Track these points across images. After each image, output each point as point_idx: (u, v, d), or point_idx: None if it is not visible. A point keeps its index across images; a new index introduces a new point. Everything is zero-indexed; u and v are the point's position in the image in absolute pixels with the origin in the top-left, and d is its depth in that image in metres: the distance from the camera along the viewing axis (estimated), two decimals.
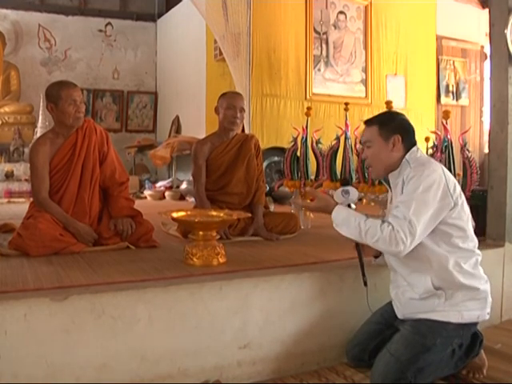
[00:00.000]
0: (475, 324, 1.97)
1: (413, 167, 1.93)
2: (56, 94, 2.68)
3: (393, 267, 2.05)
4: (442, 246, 1.90)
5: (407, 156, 1.98)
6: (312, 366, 2.17)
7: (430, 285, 1.91)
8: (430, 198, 1.83)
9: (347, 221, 1.93)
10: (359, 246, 2.04)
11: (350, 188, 2.09)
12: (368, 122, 2.08)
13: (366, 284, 2.05)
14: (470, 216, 1.98)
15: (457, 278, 1.90)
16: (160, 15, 9.46)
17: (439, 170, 1.91)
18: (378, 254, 2.17)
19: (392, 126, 2.01)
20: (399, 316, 2.03)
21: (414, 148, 2.01)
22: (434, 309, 1.91)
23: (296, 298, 2.15)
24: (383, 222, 1.87)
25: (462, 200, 1.94)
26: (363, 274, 2.05)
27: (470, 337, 1.97)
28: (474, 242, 1.98)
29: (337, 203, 2.02)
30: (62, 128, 2.76)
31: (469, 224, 1.96)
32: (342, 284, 2.24)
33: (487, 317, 1.98)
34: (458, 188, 1.95)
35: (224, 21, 5.88)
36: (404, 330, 1.95)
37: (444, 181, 1.87)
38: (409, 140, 2.00)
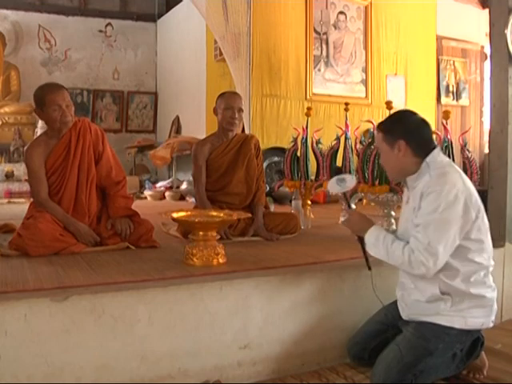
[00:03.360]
0: (478, 330, 1.96)
1: (433, 176, 1.87)
2: (41, 99, 2.66)
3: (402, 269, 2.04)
4: (457, 259, 1.87)
5: (427, 159, 1.92)
6: (312, 366, 2.17)
7: (438, 291, 1.90)
8: (451, 217, 1.79)
9: (377, 243, 1.94)
10: (362, 239, 2.02)
11: (345, 175, 2.07)
12: (377, 128, 2.05)
13: (370, 268, 2.06)
14: (488, 227, 1.94)
15: (464, 288, 1.89)
16: (160, 15, 9.45)
17: (459, 182, 1.84)
18: None
19: (395, 131, 1.95)
20: (404, 316, 2.02)
21: (435, 151, 1.93)
22: (438, 312, 1.90)
23: (296, 298, 2.15)
24: (406, 244, 1.86)
25: (482, 212, 1.89)
26: (367, 260, 2.05)
27: (471, 342, 1.96)
28: (489, 253, 1.94)
29: (371, 225, 1.99)
30: (52, 130, 2.75)
31: (487, 235, 1.93)
32: (342, 284, 2.24)
33: (491, 324, 1.96)
34: (478, 199, 1.90)
35: (224, 21, 5.88)
36: (407, 333, 1.94)
37: (465, 195, 1.82)
38: (417, 144, 1.92)
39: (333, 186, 2.06)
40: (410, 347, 1.89)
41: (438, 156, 1.93)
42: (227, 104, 3.14)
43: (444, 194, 1.80)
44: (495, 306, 1.97)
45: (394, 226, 3.49)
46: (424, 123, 1.97)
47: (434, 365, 1.88)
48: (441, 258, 1.80)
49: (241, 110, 3.18)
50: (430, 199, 1.82)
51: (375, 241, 1.94)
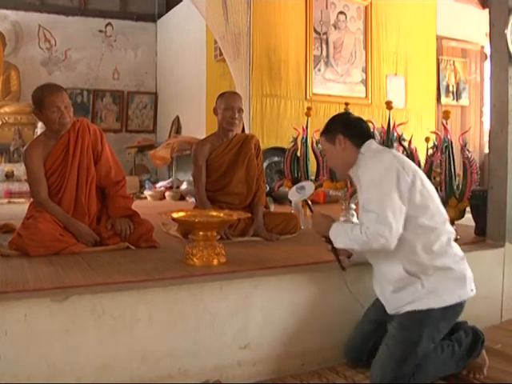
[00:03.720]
0: (460, 304, 1.95)
1: (366, 157, 2.01)
2: (39, 100, 2.65)
3: (368, 260, 2.09)
4: (409, 230, 1.89)
5: (362, 149, 2.05)
6: (312, 366, 2.17)
7: (402, 271, 1.92)
8: (387, 185, 1.87)
9: (339, 234, 2.00)
10: (335, 249, 2.10)
11: (304, 183, 2.21)
12: (320, 135, 2.22)
13: (343, 269, 2.14)
14: (433, 193, 1.98)
15: (428, 261, 1.90)
16: (160, 15, 9.45)
17: (389, 156, 1.96)
18: (350, 255, 2.22)
19: (332, 128, 2.13)
20: (388, 311, 2.03)
21: (369, 141, 2.06)
22: (414, 299, 1.91)
23: (296, 298, 2.15)
24: (362, 224, 1.91)
25: (420, 178, 1.94)
26: (338, 261, 2.14)
27: (456, 317, 1.97)
28: (442, 217, 1.97)
29: (334, 222, 2.07)
30: (51, 131, 2.75)
31: (433, 200, 1.96)
32: (342, 284, 2.24)
33: (471, 294, 1.97)
34: (413, 167, 1.97)
35: (224, 21, 5.88)
36: (392, 328, 1.96)
37: (395, 162, 1.92)
38: (354, 135, 2.07)
39: (293, 194, 2.21)
40: (396, 343, 1.90)
41: (371, 145, 2.06)
42: (227, 104, 3.14)
43: (375, 168, 1.93)
44: (469, 274, 1.98)
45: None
46: (358, 119, 2.17)
47: (427, 355, 1.88)
48: (394, 225, 1.84)
49: (241, 110, 3.18)
50: (365, 177, 1.95)
51: (337, 232, 2.01)
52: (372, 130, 3.78)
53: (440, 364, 1.93)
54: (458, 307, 1.95)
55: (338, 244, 2.02)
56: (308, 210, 3.90)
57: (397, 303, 1.97)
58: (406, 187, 1.88)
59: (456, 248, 2.00)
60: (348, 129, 2.08)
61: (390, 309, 2.01)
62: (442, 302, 1.90)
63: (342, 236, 1.98)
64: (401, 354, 1.87)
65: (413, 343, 1.87)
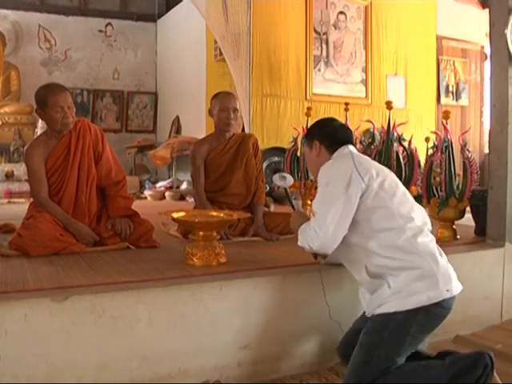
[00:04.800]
0: (438, 305, 1.80)
1: (329, 162, 2.04)
2: (42, 100, 2.66)
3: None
4: (363, 232, 1.88)
5: (334, 154, 2.08)
6: (312, 366, 2.17)
7: (366, 275, 1.90)
8: (335, 188, 1.89)
9: (300, 232, 2.02)
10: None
11: (286, 174, 2.34)
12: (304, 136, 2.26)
13: (316, 257, 2.22)
14: (399, 193, 1.93)
15: (389, 262, 1.83)
16: (160, 15, 9.45)
17: (349, 160, 1.96)
18: (326, 255, 2.20)
19: (311, 134, 2.18)
20: (366, 314, 2.00)
21: (342, 147, 2.08)
22: (382, 302, 1.85)
23: (296, 298, 2.15)
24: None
25: (381, 180, 1.91)
26: (314, 257, 2.21)
27: (435, 321, 1.85)
28: (404, 217, 1.88)
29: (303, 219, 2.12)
30: (53, 131, 2.75)
31: (392, 200, 1.90)
32: (342, 284, 2.24)
33: (446, 295, 1.81)
34: (373, 169, 1.94)
35: (224, 21, 5.87)
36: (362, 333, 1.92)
37: (352, 167, 1.91)
38: (330, 143, 2.09)
39: (277, 179, 2.31)
40: (359, 346, 1.86)
41: (343, 151, 2.07)
42: (221, 105, 3.13)
43: (330, 171, 1.97)
44: (443, 273, 1.83)
45: None
46: (340, 127, 2.17)
47: (389, 358, 1.78)
48: (331, 228, 1.86)
49: (236, 110, 3.16)
50: (320, 179, 1.99)
51: (301, 230, 2.03)
52: (372, 130, 3.79)
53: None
54: (432, 309, 1.81)
55: (299, 241, 2.03)
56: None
57: (370, 306, 1.93)
58: (357, 192, 1.87)
59: (426, 246, 1.86)
60: (324, 136, 2.11)
61: (367, 312, 1.98)
62: (406, 304, 1.80)
63: (300, 233, 2.02)
64: (361, 357, 1.82)
65: (374, 346, 1.81)
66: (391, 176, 2.02)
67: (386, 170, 2.05)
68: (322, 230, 1.87)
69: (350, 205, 1.87)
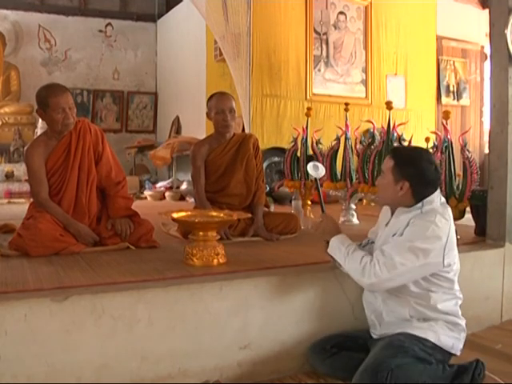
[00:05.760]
0: (450, 354, 1.94)
1: (423, 211, 1.92)
2: (44, 101, 2.65)
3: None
4: (421, 286, 1.92)
5: (425, 200, 1.94)
6: (312, 366, 2.16)
7: (408, 315, 1.93)
8: (421, 251, 1.83)
9: (340, 247, 1.99)
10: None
11: (319, 164, 2.34)
12: (391, 152, 2.07)
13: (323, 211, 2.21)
14: (456, 274, 1.98)
15: (437, 312, 1.92)
16: (160, 15, 9.45)
17: (446, 228, 1.89)
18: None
19: (406, 170, 1.94)
20: (376, 336, 2.02)
21: (430, 197, 1.95)
22: (411, 325, 1.92)
23: (296, 298, 2.15)
24: (367, 254, 1.91)
25: (453, 263, 1.94)
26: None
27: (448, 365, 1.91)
28: (454, 296, 1.99)
29: (340, 232, 2.09)
30: (53, 131, 2.75)
31: (455, 278, 1.98)
32: (342, 284, 2.24)
33: (458, 353, 1.97)
34: (455, 250, 1.95)
35: (224, 21, 5.88)
36: (381, 341, 1.92)
37: (444, 242, 1.87)
38: (420, 191, 1.94)
39: (311, 169, 2.32)
40: (383, 348, 1.85)
41: (431, 203, 1.95)
42: (217, 108, 3.12)
43: (427, 232, 1.85)
44: (464, 335, 1.99)
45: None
46: (435, 170, 1.97)
47: (414, 368, 1.78)
48: (397, 279, 1.84)
49: (232, 110, 3.14)
50: (413, 230, 1.87)
51: (339, 244, 2.00)
52: (372, 130, 3.80)
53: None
54: (447, 356, 1.94)
55: (333, 252, 2.03)
56: (308, 211, 3.93)
57: (392, 328, 1.95)
58: (433, 268, 1.88)
59: (460, 312, 2.01)
60: (418, 182, 1.93)
61: (381, 334, 1.99)
62: (437, 339, 1.89)
63: (341, 249, 1.98)
64: (386, 354, 1.82)
65: (403, 349, 1.82)
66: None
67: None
68: (387, 273, 1.82)
69: (421, 271, 1.87)
